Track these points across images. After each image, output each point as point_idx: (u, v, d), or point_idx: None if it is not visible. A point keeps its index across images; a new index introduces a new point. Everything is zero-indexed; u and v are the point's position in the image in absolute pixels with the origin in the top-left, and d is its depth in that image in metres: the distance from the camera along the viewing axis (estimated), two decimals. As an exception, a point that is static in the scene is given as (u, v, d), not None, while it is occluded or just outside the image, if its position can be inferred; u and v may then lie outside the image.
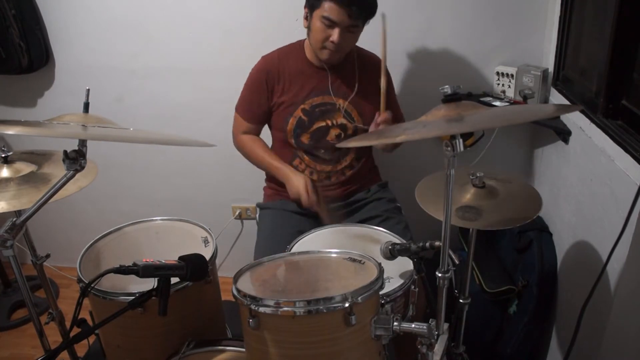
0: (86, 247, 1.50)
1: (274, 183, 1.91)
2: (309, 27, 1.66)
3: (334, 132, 1.76)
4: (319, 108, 1.74)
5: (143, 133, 1.23)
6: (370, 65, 1.79)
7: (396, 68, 2.04)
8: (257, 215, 1.95)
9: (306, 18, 1.66)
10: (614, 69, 1.44)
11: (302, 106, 1.74)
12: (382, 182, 1.93)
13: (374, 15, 1.63)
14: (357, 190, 1.87)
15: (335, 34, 1.57)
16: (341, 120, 1.76)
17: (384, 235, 1.57)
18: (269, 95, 1.76)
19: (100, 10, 2.14)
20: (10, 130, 0.92)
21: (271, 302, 1.01)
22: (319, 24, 1.59)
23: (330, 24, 1.57)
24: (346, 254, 1.24)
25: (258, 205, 1.95)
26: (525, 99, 1.91)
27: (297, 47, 1.77)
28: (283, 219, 1.81)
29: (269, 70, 1.75)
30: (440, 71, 2.06)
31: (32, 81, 2.31)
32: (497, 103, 1.98)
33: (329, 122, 1.75)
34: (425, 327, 1.08)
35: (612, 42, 1.42)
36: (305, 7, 1.65)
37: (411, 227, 1.78)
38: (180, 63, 2.19)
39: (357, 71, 1.76)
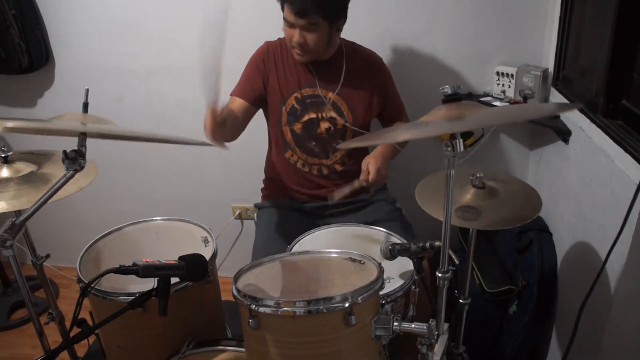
0: (86, 247, 1.50)
1: (272, 183, 1.92)
2: None
3: (323, 125, 1.77)
4: (309, 99, 1.75)
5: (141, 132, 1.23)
6: (364, 62, 1.79)
7: (396, 68, 2.03)
8: (255, 215, 1.95)
9: None
10: (614, 69, 1.44)
11: (295, 94, 1.75)
12: (382, 184, 1.92)
13: (335, 12, 1.61)
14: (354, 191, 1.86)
15: (295, 34, 1.60)
16: (331, 114, 1.76)
17: (384, 235, 1.57)
18: (264, 75, 1.75)
19: (100, 10, 2.14)
20: (10, 124, 0.92)
21: (271, 302, 1.02)
22: (284, 25, 1.63)
23: (290, 24, 1.60)
24: (346, 254, 1.24)
25: (256, 205, 1.96)
26: (525, 99, 1.91)
27: None
28: (281, 217, 1.81)
29: (270, 53, 1.76)
30: (440, 71, 2.06)
31: (32, 81, 2.30)
32: (497, 103, 1.98)
33: (319, 115, 1.76)
34: (425, 327, 1.08)
35: (612, 42, 1.42)
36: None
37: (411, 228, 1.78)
38: (180, 63, 2.19)
39: (344, 67, 1.75)
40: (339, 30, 1.68)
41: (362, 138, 1.54)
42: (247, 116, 1.75)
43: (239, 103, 1.73)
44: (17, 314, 2.37)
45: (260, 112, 1.85)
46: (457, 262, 1.22)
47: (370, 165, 1.67)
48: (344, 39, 1.78)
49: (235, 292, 1.08)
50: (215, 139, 1.40)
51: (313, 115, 1.76)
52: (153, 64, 2.21)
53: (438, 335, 1.10)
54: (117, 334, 1.41)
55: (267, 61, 1.75)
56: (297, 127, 1.77)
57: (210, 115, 1.36)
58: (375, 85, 1.80)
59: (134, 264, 1.10)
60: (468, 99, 2.03)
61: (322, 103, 1.76)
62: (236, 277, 1.15)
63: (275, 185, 1.90)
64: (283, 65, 1.75)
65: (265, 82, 1.76)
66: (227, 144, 1.47)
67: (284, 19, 1.61)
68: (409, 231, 1.75)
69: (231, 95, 1.76)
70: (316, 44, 1.62)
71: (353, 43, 1.81)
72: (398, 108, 1.90)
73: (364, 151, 1.89)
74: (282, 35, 1.80)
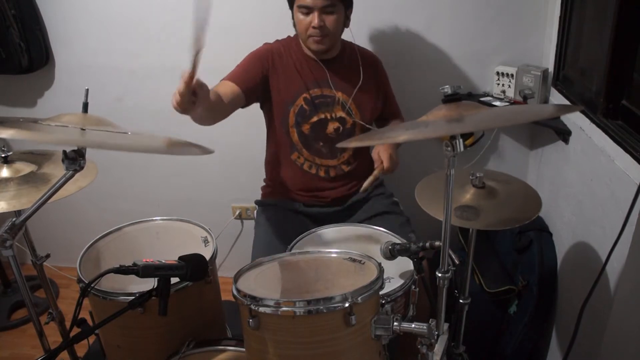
0: (86, 247, 1.50)
1: (273, 183, 1.91)
2: (294, 24, 1.68)
3: (332, 126, 1.76)
4: (318, 100, 1.74)
5: (141, 139, 1.22)
6: (366, 61, 1.79)
7: (396, 68, 2.03)
8: (255, 212, 1.94)
9: (293, 17, 1.68)
10: (614, 69, 1.44)
11: (304, 95, 1.74)
12: (379, 180, 1.92)
13: None
14: (357, 190, 1.87)
15: (315, 18, 1.59)
16: (340, 113, 1.76)
17: (384, 235, 1.57)
18: (266, 74, 1.71)
19: (100, 10, 2.14)
20: (4, 134, 0.92)
21: (271, 302, 1.01)
22: (299, 15, 1.62)
23: (307, 10, 1.59)
24: (346, 254, 1.24)
25: (256, 202, 1.95)
26: (525, 99, 1.91)
27: (296, 40, 1.77)
28: (282, 216, 1.81)
29: (274, 54, 1.74)
30: (440, 71, 2.06)
31: (32, 81, 2.30)
32: (497, 103, 1.98)
33: (328, 115, 1.76)
34: (425, 327, 1.08)
35: (612, 42, 1.42)
36: (289, 6, 1.67)
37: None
38: (180, 63, 2.17)
39: (350, 66, 1.75)
40: (348, 18, 1.69)
41: (362, 137, 1.54)
42: (233, 103, 1.62)
43: (229, 87, 1.62)
44: (17, 314, 2.37)
45: (262, 113, 1.85)
46: (457, 262, 1.22)
47: (381, 154, 1.69)
48: (343, 39, 1.78)
49: (235, 292, 1.08)
50: (181, 105, 1.35)
51: (322, 116, 1.75)
52: (153, 64, 2.21)
53: (438, 335, 1.10)
54: (117, 334, 1.41)
55: (272, 60, 1.72)
56: (306, 128, 1.76)
57: (183, 81, 1.31)
58: (377, 84, 1.81)
59: (134, 264, 1.10)
60: (468, 99, 2.03)
61: (331, 103, 1.75)
62: (236, 277, 1.15)
63: (277, 186, 1.90)
64: (288, 66, 1.74)
65: (267, 79, 1.72)
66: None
67: (299, 7, 1.60)
68: (407, 224, 1.76)
69: (223, 79, 1.67)
70: (335, 27, 1.62)
71: (351, 43, 1.81)
72: (395, 108, 1.92)
73: (367, 151, 1.90)
74: (281, 35, 1.80)
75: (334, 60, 1.74)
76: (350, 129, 1.78)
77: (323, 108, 1.75)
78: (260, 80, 1.70)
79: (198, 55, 1.21)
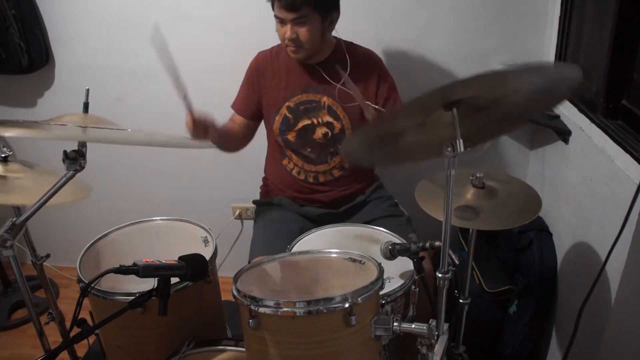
0: (86, 247, 1.51)
1: (270, 183, 1.92)
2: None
3: (320, 131, 1.74)
4: (303, 106, 1.73)
5: (140, 135, 1.24)
6: (361, 61, 1.75)
7: (396, 68, 2.03)
8: (254, 212, 1.95)
9: None
10: (614, 69, 1.44)
11: (287, 104, 1.74)
12: (377, 183, 1.91)
13: (325, 3, 1.59)
14: (351, 195, 1.85)
15: (287, 30, 1.58)
16: (327, 118, 1.74)
17: (384, 235, 1.57)
18: (257, 91, 1.77)
19: (100, 10, 2.14)
20: (8, 133, 0.92)
21: (271, 303, 1.02)
22: (277, 24, 1.62)
23: (281, 21, 1.59)
24: (346, 254, 1.24)
25: (254, 202, 1.95)
26: (525, 99, 1.90)
27: None
28: (279, 214, 1.81)
29: (259, 67, 1.77)
30: (440, 71, 2.06)
31: (32, 81, 2.30)
32: (497, 103, 1.97)
33: (315, 121, 1.74)
34: (425, 327, 1.08)
35: (612, 42, 1.42)
36: None
37: (411, 227, 1.78)
38: (180, 63, 2.18)
39: (352, 67, 1.71)
40: (333, 23, 1.65)
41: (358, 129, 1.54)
42: (249, 130, 1.83)
43: (239, 119, 1.81)
44: (17, 314, 2.37)
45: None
46: (457, 262, 1.23)
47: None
48: (342, 40, 1.76)
49: (235, 292, 1.08)
50: (196, 138, 1.52)
51: (307, 122, 1.74)
52: (153, 64, 2.19)
53: (438, 336, 1.10)
54: (117, 334, 1.42)
55: (259, 74, 1.77)
56: (291, 135, 1.76)
57: (188, 117, 1.51)
58: (373, 85, 1.77)
59: (134, 264, 1.10)
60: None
61: (317, 108, 1.73)
62: (236, 277, 1.15)
63: (273, 186, 1.90)
64: (274, 75, 1.75)
65: (260, 98, 1.78)
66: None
67: (275, 17, 1.60)
68: (408, 224, 1.75)
69: (231, 108, 1.83)
70: (308, 38, 1.59)
71: (351, 43, 1.78)
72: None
73: None
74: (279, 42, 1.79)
75: (323, 64, 1.72)
76: (339, 133, 1.75)
77: (309, 113, 1.74)
78: (256, 101, 1.79)
79: (187, 99, 1.42)
